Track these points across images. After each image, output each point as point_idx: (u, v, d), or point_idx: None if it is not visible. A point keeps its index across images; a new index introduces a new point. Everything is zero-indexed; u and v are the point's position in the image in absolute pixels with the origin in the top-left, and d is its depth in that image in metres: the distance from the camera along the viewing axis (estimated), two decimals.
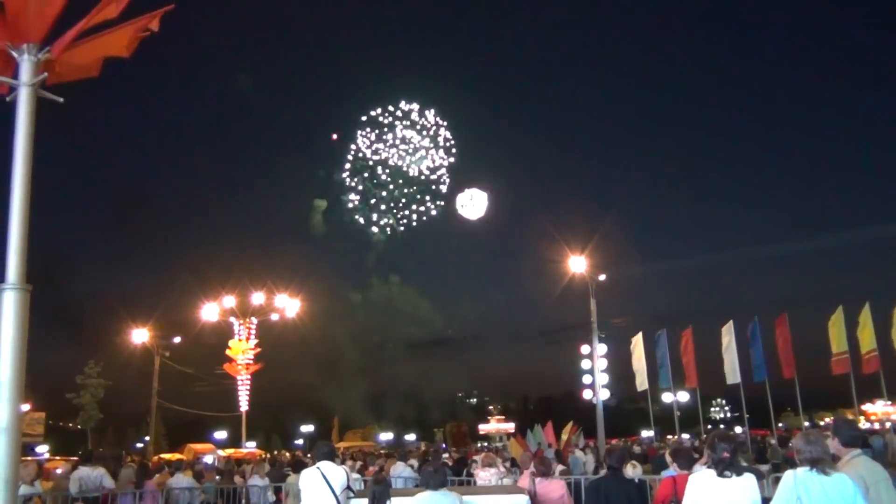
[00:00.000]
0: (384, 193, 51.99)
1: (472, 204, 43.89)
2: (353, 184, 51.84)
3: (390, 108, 50.91)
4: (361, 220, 52.76)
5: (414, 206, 51.84)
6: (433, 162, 51.60)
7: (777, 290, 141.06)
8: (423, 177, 51.79)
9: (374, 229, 52.87)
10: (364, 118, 50.79)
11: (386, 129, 51.03)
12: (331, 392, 64.50)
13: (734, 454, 5.30)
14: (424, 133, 51.60)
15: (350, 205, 52.45)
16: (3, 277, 4.09)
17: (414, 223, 52.40)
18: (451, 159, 51.79)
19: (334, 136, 52.23)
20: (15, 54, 4.38)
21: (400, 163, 51.20)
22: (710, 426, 55.40)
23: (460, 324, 74.22)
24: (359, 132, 50.76)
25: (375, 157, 51.31)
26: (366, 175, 51.62)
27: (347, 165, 51.54)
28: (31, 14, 4.24)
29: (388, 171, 51.32)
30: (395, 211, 52.32)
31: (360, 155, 51.30)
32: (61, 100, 4.56)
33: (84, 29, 4.46)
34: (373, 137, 51.06)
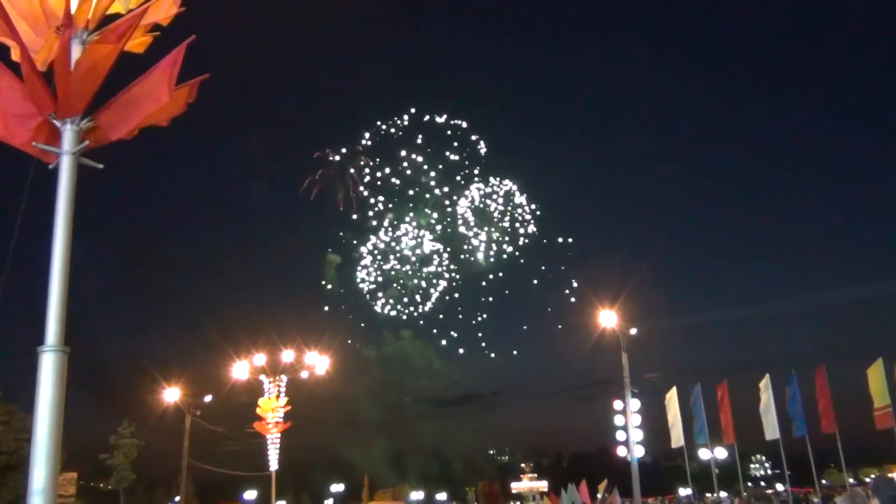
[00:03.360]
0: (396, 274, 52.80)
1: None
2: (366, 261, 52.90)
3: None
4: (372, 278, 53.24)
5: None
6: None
7: (814, 341, 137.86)
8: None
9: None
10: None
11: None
12: (360, 451, 63.88)
13: None
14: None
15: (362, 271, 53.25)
16: (42, 339, 4.15)
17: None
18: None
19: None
20: (58, 124, 4.52)
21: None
22: (749, 483, 53.73)
23: (491, 379, 73.65)
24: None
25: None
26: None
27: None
28: (74, 88, 4.39)
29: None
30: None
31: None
32: (101, 166, 4.68)
33: (126, 99, 4.62)
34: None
